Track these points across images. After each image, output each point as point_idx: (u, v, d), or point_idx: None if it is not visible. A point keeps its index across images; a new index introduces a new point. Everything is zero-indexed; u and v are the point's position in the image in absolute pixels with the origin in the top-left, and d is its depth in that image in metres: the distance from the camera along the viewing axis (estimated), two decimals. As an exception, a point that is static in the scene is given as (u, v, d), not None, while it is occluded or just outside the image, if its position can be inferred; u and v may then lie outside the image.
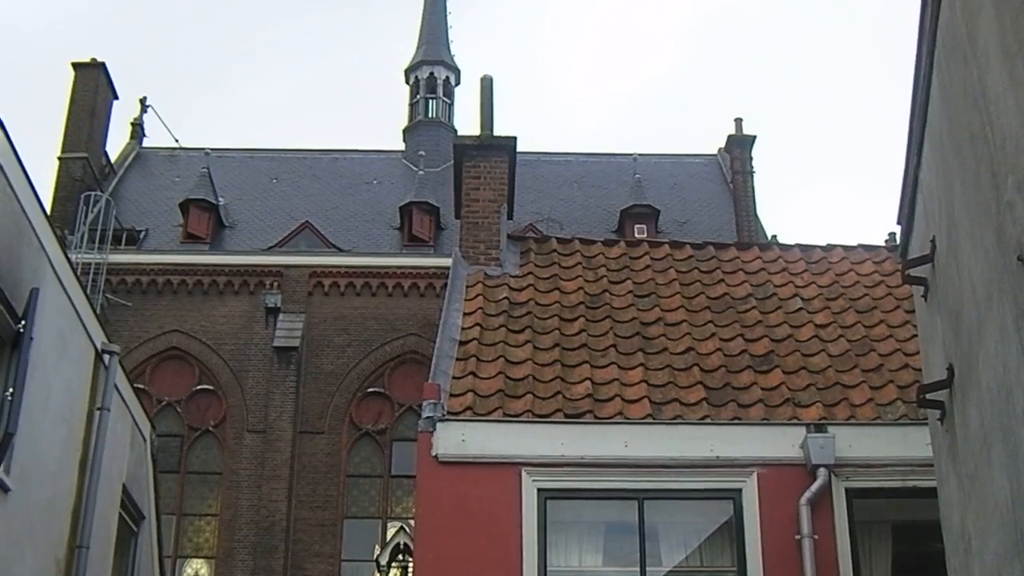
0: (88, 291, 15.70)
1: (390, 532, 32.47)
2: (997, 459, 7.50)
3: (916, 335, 12.91)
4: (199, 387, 35.42)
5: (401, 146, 44.32)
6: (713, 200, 41.31)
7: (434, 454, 13.03)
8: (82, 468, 14.35)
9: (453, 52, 46.88)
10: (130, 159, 42.37)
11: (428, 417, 13.24)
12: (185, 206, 37.95)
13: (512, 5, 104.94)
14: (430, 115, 44.89)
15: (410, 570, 27.15)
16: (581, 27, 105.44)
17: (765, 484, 12.92)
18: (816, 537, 12.59)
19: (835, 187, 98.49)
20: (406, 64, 46.22)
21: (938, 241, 9.35)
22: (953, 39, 7.95)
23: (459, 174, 17.76)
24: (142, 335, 35.28)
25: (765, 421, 13.48)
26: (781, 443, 13.16)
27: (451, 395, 13.70)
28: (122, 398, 15.97)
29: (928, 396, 9.81)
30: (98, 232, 34.53)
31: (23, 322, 12.05)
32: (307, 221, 38.77)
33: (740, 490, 12.97)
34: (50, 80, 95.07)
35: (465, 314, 15.62)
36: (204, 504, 34.68)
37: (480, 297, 16.08)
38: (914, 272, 10.24)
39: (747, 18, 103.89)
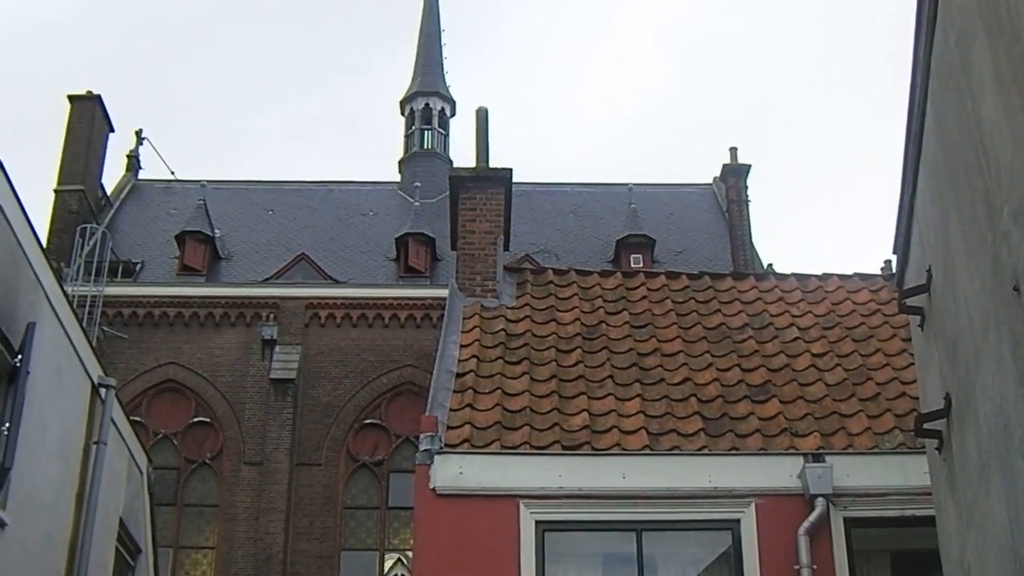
0: (84, 323, 15.68)
1: (388, 564, 32.44)
2: (995, 489, 7.49)
3: (913, 363, 12.90)
4: (195, 419, 35.35)
5: (397, 177, 44.40)
6: (709, 229, 41.36)
7: (432, 487, 13.00)
8: (79, 502, 14.31)
9: (448, 83, 47.03)
10: (126, 191, 42.40)
11: (425, 450, 13.21)
12: (181, 238, 37.96)
13: (506, 36, 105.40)
14: (426, 146, 45.00)
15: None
16: (575, 57, 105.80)
17: (763, 514, 12.88)
18: (815, 567, 12.54)
19: (830, 215, 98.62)
20: (402, 95, 46.36)
21: (934, 270, 9.35)
22: (947, 69, 7.97)
23: (455, 206, 17.77)
24: (138, 367, 35.24)
25: (763, 451, 13.46)
26: (779, 473, 13.13)
27: (448, 427, 13.68)
28: (118, 431, 15.95)
29: (925, 426, 9.80)
30: (94, 264, 34.56)
31: (20, 356, 12.05)
32: (303, 253, 38.79)
33: (738, 521, 12.94)
34: (46, 112, 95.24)
35: (462, 346, 15.61)
36: (201, 537, 34.56)
37: (477, 329, 16.06)
38: (910, 301, 10.23)
39: (742, 46, 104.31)
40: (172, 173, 43.22)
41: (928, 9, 8.35)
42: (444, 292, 18.12)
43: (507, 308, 16.78)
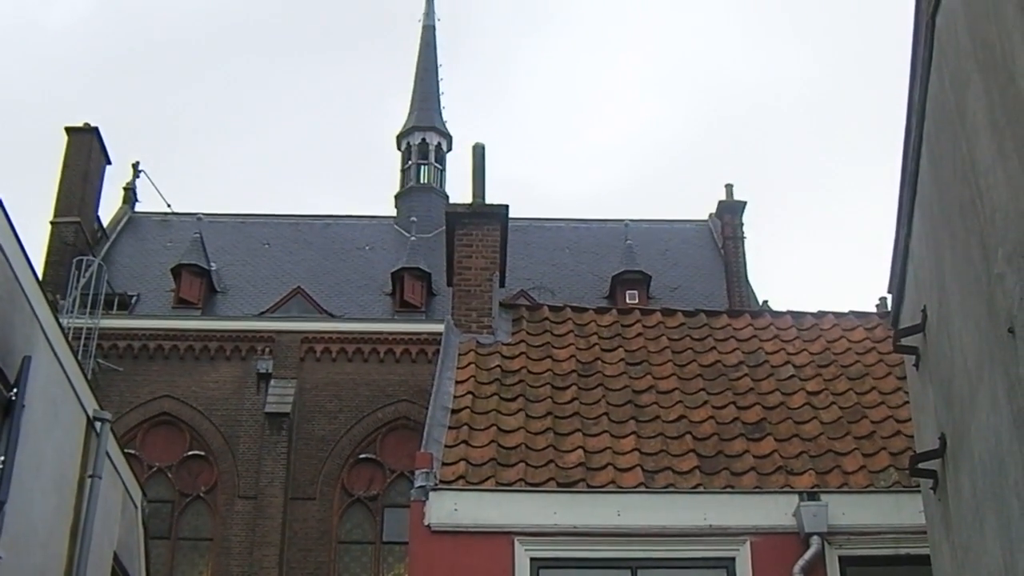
0: (79, 356, 15.69)
1: (382, 599, 32.26)
2: (990, 529, 7.50)
3: (908, 402, 12.92)
4: (190, 453, 35.26)
5: (393, 212, 44.43)
6: (704, 266, 41.39)
7: (427, 524, 13.00)
8: (73, 536, 14.27)
9: (445, 118, 47.13)
10: (122, 224, 42.40)
11: (420, 486, 13.21)
12: (177, 271, 37.93)
13: (503, 72, 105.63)
14: (422, 181, 45.01)
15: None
16: (571, 93, 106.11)
17: (758, 552, 12.88)
18: (810, 605, 12.55)
19: (826, 252, 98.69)
20: (398, 130, 46.45)
21: (929, 311, 9.38)
22: (942, 111, 8.02)
23: (451, 242, 17.80)
24: (133, 400, 35.17)
25: (758, 489, 13.46)
26: (774, 511, 13.14)
27: (443, 464, 13.68)
28: (113, 465, 15.92)
29: (920, 465, 9.81)
30: (90, 297, 34.56)
31: (15, 390, 12.04)
32: (299, 287, 38.76)
33: (733, 559, 12.94)
34: (43, 144, 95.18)
35: (457, 382, 15.62)
36: (195, 571, 34.41)
37: (472, 365, 16.06)
38: (905, 341, 10.26)
39: (738, 83, 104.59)
40: (168, 206, 43.30)
41: (924, 51, 8.41)
42: (440, 327, 18.09)
43: (503, 344, 16.80)
